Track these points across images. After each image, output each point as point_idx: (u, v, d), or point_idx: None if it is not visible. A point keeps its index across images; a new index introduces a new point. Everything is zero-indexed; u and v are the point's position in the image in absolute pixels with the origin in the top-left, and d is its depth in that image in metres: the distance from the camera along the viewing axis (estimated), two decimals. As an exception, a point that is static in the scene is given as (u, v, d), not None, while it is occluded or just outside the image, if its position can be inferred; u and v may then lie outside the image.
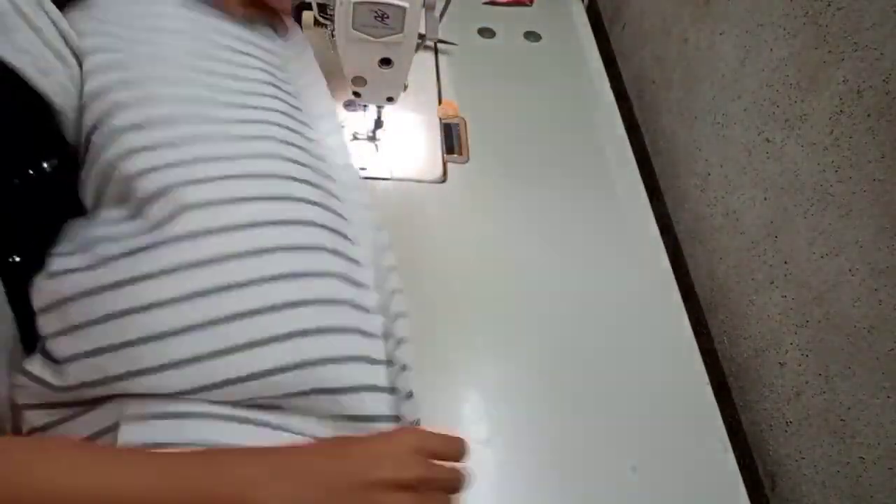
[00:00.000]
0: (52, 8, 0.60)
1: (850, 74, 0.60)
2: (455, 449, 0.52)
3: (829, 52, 0.63)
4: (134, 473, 0.41)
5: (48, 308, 0.51)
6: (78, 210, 0.61)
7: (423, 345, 0.68)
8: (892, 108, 0.56)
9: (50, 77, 0.57)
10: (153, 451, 0.45)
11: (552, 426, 0.65)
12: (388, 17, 0.66)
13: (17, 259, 0.56)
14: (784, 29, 0.70)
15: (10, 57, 0.53)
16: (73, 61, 0.61)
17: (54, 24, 0.60)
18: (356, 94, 0.77)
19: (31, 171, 0.57)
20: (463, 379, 0.67)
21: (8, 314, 0.51)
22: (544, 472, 0.62)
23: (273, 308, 0.52)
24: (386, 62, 0.71)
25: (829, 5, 0.64)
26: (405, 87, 0.77)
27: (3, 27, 0.53)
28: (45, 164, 0.58)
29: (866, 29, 0.59)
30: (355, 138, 0.86)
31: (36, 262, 0.56)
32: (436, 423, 0.63)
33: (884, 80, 0.57)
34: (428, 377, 0.67)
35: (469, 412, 0.65)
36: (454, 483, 0.50)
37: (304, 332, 0.53)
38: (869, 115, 0.58)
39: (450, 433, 0.52)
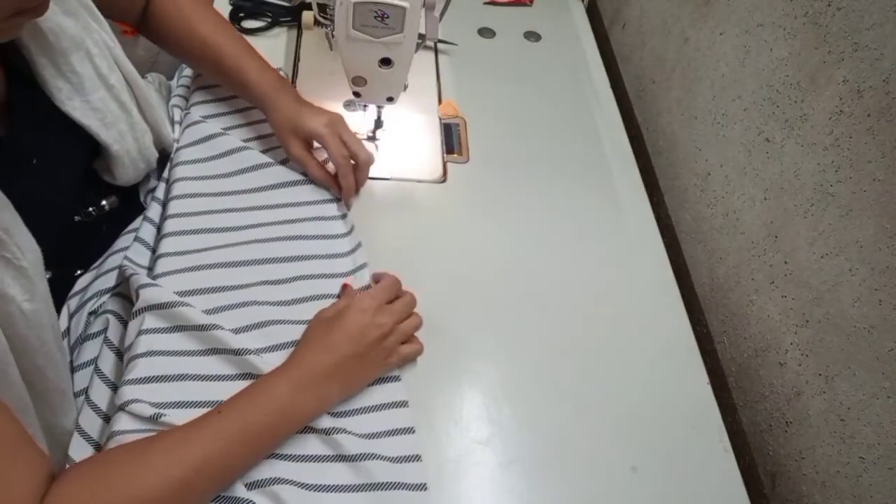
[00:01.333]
0: (127, 64, 0.69)
1: (850, 74, 0.60)
2: (396, 286, 0.68)
3: (829, 52, 0.63)
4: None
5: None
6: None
7: (423, 344, 0.68)
8: (892, 108, 0.56)
9: (112, 129, 0.66)
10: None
11: (552, 426, 0.65)
12: (388, 17, 0.66)
13: (81, 272, 0.71)
14: (784, 29, 0.70)
15: (81, 115, 0.63)
16: (135, 109, 0.70)
17: (126, 78, 0.69)
18: (356, 94, 0.77)
19: (91, 209, 0.70)
20: (463, 379, 0.67)
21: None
22: (544, 473, 0.62)
23: None
24: (386, 62, 0.71)
25: (829, 5, 0.64)
26: (405, 87, 0.77)
27: (83, 90, 0.63)
28: (104, 203, 0.71)
29: (866, 29, 0.59)
30: (355, 138, 0.86)
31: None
32: (436, 422, 0.64)
33: (884, 80, 0.57)
34: (428, 377, 0.67)
35: (469, 412, 0.65)
36: (411, 307, 0.68)
37: None
38: (869, 115, 0.58)
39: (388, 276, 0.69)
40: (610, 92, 1.00)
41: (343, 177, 0.76)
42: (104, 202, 0.71)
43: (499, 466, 0.62)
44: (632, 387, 0.69)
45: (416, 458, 0.60)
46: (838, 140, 0.62)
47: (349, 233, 0.75)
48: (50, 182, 0.62)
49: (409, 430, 0.61)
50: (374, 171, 0.83)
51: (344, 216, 0.76)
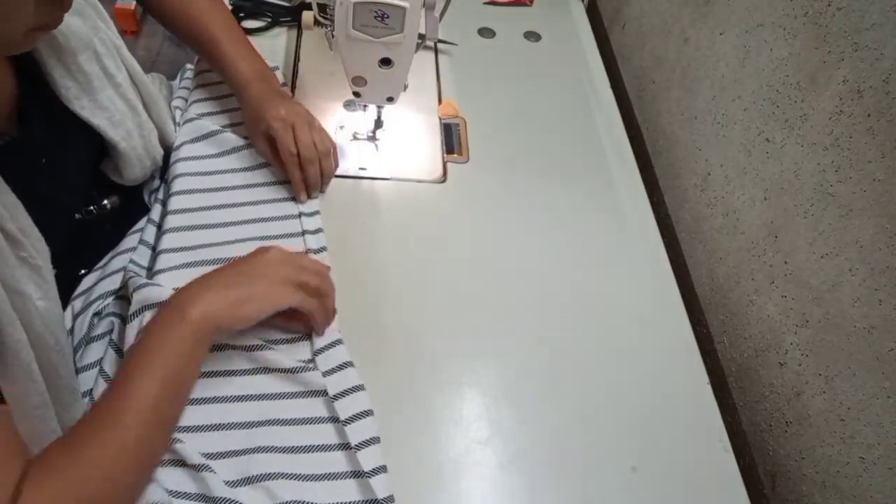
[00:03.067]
0: (132, 63, 0.69)
1: (850, 74, 0.60)
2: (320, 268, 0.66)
3: (829, 52, 0.63)
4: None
5: None
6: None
7: (423, 344, 0.68)
8: (892, 108, 0.56)
9: (119, 128, 0.67)
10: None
11: (552, 426, 0.65)
12: (388, 17, 0.66)
13: (84, 272, 0.71)
14: (784, 29, 0.70)
15: (89, 114, 0.63)
16: (140, 107, 0.71)
17: (131, 77, 0.69)
18: (356, 94, 0.76)
19: (92, 208, 0.70)
20: (463, 379, 0.67)
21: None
22: (544, 473, 0.62)
23: None
24: (386, 62, 0.71)
25: (829, 5, 0.64)
26: (405, 87, 0.77)
27: (90, 89, 0.63)
28: (105, 202, 0.71)
29: (866, 29, 0.59)
30: (355, 138, 0.86)
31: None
32: (436, 422, 0.64)
33: (884, 80, 0.57)
34: (428, 377, 0.67)
35: (469, 412, 0.65)
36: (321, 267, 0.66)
37: None
38: (869, 115, 0.58)
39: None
40: (610, 92, 1.00)
41: (290, 173, 0.75)
42: (106, 201, 0.71)
43: (499, 466, 0.62)
44: (632, 387, 0.69)
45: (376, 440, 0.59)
46: (838, 140, 0.62)
47: (314, 231, 0.75)
48: (58, 181, 0.62)
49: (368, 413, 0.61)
50: (374, 171, 0.83)
51: (312, 214, 0.76)
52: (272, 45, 0.96)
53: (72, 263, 0.70)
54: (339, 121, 0.88)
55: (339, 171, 0.81)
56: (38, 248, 0.53)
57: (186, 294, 0.58)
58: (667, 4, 0.96)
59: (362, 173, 0.83)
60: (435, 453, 0.61)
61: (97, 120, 0.64)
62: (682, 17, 0.92)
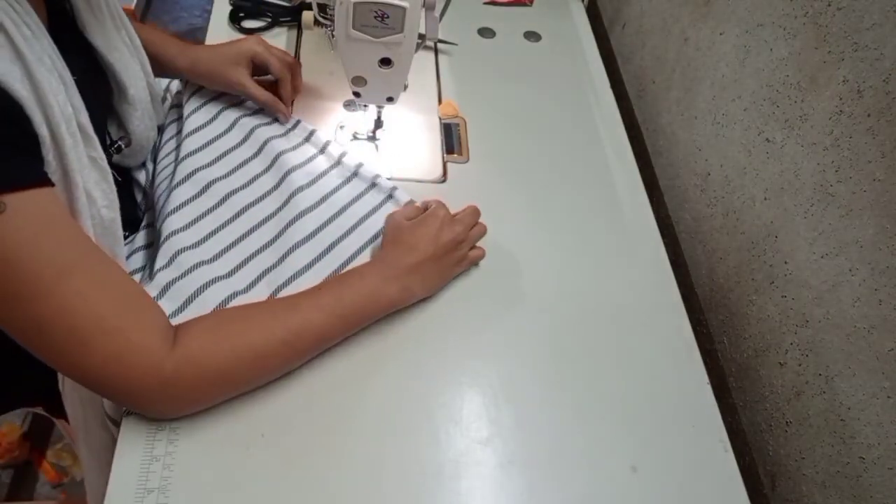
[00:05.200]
0: (133, 33, 0.72)
1: (850, 74, 0.60)
2: (472, 211, 0.75)
3: (829, 52, 0.63)
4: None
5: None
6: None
7: (423, 344, 0.68)
8: (892, 108, 0.56)
9: (129, 71, 0.70)
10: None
11: (552, 426, 0.65)
12: (388, 17, 0.66)
13: None
14: (784, 29, 0.70)
15: (106, 52, 0.66)
16: (140, 58, 0.73)
17: (132, 41, 0.72)
18: (356, 94, 0.76)
19: (111, 147, 0.72)
20: (463, 379, 0.67)
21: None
22: (544, 473, 0.62)
23: None
24: (386, 62, 0.71)
25: (829, 5, 0.64)
26: (405, 87, 0.77)
27: (107, 29, 0.66)
28: (120, 143, 0.73)
29: (866, 29, 0.59)
30: (355, 138, 0.86)
31: None
32: (435, 422, 0.64)
33: (884, 80, 0.57)
34: (428, 377, 0.67)
35: (469, 412, 0.65)
36: (476, 215, 0.75)
37: None
38: (869, 115, 0.58)
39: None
40: (610, 92, 1.00)
41: (284, 83, 0.84)
42: (120, 142, 0.73)
43: (499, 466, 0.62)
44: (632, 387, 0.69)
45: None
46: (838, 140, 0.62)
47: (323, 150, 0.83)
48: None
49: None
50: (374, 171, 0.83)
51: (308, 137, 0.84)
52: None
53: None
54: (339, 121, 0.88)
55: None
56: (101, 153, 0.57)
57: (391, 270, 0.67)
58: (667, 4, 0.96)
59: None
60: (435, 453, 0.61)
61: (112, 58, 0.67)
62: (682, 17, 0.92)
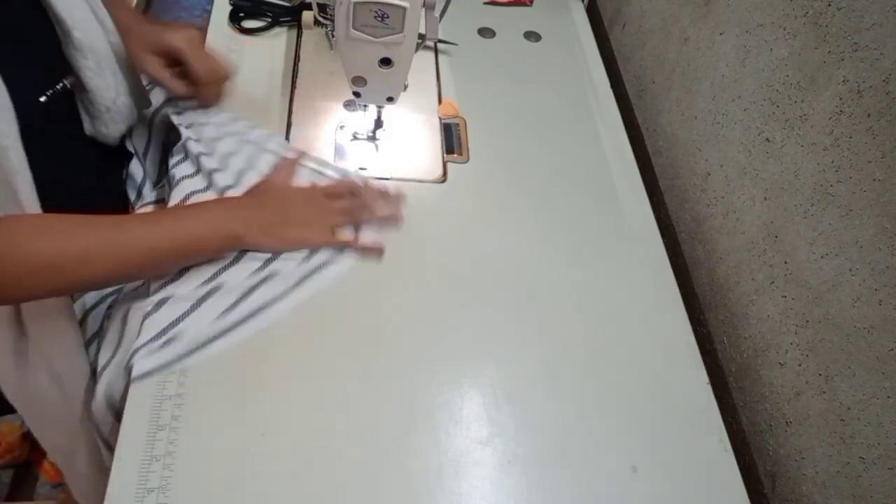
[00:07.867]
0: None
1: (850, 74, 0.60)
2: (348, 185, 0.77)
3: (829, 52, 0.63)
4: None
5: None
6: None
7: (423, 344, 0.68)
8: (892, 108, 0.56)
9: (74, 12, 0.65)
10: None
11: (552, 426, 0.65)
12: (388, 17, 0.66)
13: None
14: (784, 29, 0.70)
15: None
16: (101, 10, 0.69)
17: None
18: (356, 94, 0.76)
19: (56, 88, 0.67)
20: (463, 379, 0.67)
21: None
22: (544, 473, 0.62)
23: None
24: (386, 62, 0.71)
25: (829, 5, 0.64)
26: (405, 87, 0.77)
27: None
28: (65, 82, 0.68)
29: (866, 29, 0.59)
30: (355, 138, 0.86)
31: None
32: (436, 422, 0.64)
33: (884, 80, 0.57)
34: (428, 377, 0.67)
35: (469, 412, 0.65)
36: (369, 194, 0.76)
37: None
38: (869, 115, 0.58)
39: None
40: (610, 92, 1.00)
41: (200, 91, 0.78)
42: (65, 81, 0.67)
43: (499, 466, 0.62)
44: (632, 387, 0.69)
45: None
46: (838, 140, 0.62)
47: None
48: (20, 53, 0.61)
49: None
50: (374, 171, 0.83)
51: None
52: (272, 45, 0.96)
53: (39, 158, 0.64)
54: (339, 121, 0.88)
55: (339, 171, 0.82)
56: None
57: (235, 204, 0.68)
58: (667, 4, 0.96)
59: (362, 173, 0.83)
60: (435, 453, 0.61)
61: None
62: (682, 17, 0.92)
